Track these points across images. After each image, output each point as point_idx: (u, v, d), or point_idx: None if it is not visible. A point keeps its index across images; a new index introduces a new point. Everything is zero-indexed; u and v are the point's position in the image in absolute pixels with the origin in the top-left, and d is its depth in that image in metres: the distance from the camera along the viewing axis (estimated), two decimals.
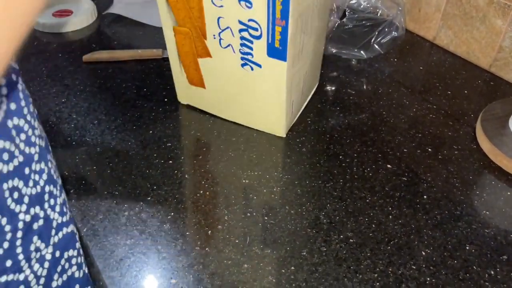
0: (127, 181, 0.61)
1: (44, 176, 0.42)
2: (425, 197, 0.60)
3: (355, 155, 0.66)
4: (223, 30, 0.61)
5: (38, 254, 0.42)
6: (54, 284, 0.45)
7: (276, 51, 0.59)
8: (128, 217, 0.56)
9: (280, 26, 0.56)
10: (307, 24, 0.61)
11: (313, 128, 0.70)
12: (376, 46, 0.87)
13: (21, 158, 0.39)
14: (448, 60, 0.87)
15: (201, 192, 0.60)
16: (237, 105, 0.69)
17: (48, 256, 0.43)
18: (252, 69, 0.63)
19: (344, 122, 0.72)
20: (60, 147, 0.66)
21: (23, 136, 0.39)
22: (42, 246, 0.42)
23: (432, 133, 0.70)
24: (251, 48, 0.61)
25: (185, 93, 0.74)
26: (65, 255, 0.46)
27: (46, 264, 0.43)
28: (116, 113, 0.73)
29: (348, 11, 0.90)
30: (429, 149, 0.67)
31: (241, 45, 0.61)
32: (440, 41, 0.91)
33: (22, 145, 0.39)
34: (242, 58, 0.62)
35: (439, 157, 0.66)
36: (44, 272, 0.43)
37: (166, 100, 0.76)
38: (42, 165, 0.42)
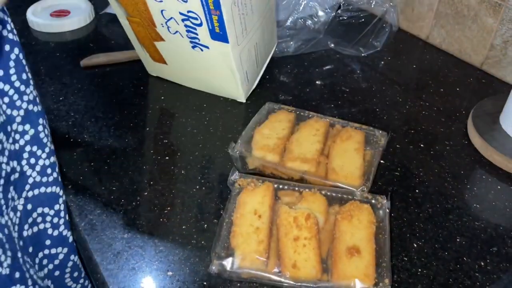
0: (124, 177, 0.62)
1: (27, 137, 0.46)
2: (417, 191, 0.61)
3: None
4: (168, 20, 0.65)
5: (13, 203, 0.46)
6: (25, 233, 0.48)
7: (218, 35, 0.64)
8: (125, 211, 0.57)
9: (215, 15, 0.60)
10: (245, 6, 0.65)
11: None
12: (374, 42, 0.89)
13: (3, 118, 0.43)
14: (441, 58, 0.88)
15: (197, 187, 0.61)
16: (197, 77, 0.75)
17: (20, 207, 0.47)
18: (202, 50, 0.68)
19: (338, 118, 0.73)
20: (58, 145, 0.66)
21: (6, 99, 0.43)
22: (16, 197, 0.46)
23: (424, 129, 0.71)
24: (196, 34, 0.65)
25: (151, 67, 0.80)
26: (39, 210, 0.49)
27: (18, 214, 0.47)
28: (113, 111, 0.73)
29: (343, 2, 0.93)
30: (422, 145, 0.68)
31: (187, 31, 0.65)
32: (433, 40, 0.92)
33: (4, 107, 0.43)
34: (191, 42, 0.67)
35: (431, 152, 0.67)
36: (17, 221, 0.47)
37: (162, 98, 0.77)
38: (27, 127, 0.46)
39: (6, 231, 0.44)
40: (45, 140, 0.48)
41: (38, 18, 0.95)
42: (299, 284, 0.48)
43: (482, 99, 0.75)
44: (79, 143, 0.67)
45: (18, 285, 0.45)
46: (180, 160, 0.65)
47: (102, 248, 0.53)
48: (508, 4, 0.76)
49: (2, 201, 0.44)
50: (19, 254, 0.46)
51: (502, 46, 0.80)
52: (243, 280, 0.49)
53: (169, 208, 0.58)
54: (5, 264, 0.43)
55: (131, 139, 0.68)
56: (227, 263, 0.49)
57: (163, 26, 0.67)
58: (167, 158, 0.65)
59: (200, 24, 0.63)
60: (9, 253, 0.44)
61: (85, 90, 0.78)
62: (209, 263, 0.50)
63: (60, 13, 0.98)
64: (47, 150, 0.49)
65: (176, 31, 0.67)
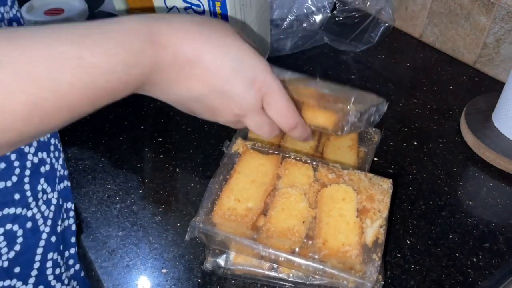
0: (119, 175, 0.62)
1: None
2: (410, 188, 0.61)
3: None
4: (170, 9, 0.66)
5: (45, 196, 0.45)
6: (58, 229, 0.48)
7: None
8: (120, 209, 0.57)
9: (219, 2, 0.62)
10: None
11: None
12: (369, 38, 0.90)
13: None
14: (434, 57, 0.89)
15: (192, 185, 0.61)
16: None
17: (54, 201, 0.47)
18: None
19: None
20: None
21: None
22: (49, 189, 0.46)
23: (418, 127, 0.72)
24: None
25: None
26: (65, 206, 0.50)
27: (52, 208, 0.46)
28: (108, 109, 0.73)
29: (338, 4, 0.94)
30: (415, 143, 0.69)
31: None
32: (427, 38, 0.92)
33: None
34: None
35: (425, 150, 0.67)
36: (51, 215, 0.46)
37: None
38: None
39: (29, 224, 0.44)
40: (58, 134, 0.49)
41: (32, 16, 0.95)
42: (292, 279, 0.48)
43: (474, 97, 0.75)
44: (73, 141, 0.67)
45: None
46: (174, 158, 0.65)
47: (96, 245, 0.53)
48: (501, 3, 0.77)
49: (29, 193, 0.43)
50: (40, 250, 0.45)
51: (494, 45, 0.81)
52: (237, 277, 0.50)
53: (163, 206, 0.58)
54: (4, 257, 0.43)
55: (125, 137, 0.68)
56: (221, 260, 0.49)
57: None
58: (161, 156, 0.65)
59: (203, 12, 0.64)
60: (17, 247, 0.44)
61: None
62: (204, 260, 0.50)
63: (54, 12, 0.97)
64: (60, 145, 0.49)
65: None
